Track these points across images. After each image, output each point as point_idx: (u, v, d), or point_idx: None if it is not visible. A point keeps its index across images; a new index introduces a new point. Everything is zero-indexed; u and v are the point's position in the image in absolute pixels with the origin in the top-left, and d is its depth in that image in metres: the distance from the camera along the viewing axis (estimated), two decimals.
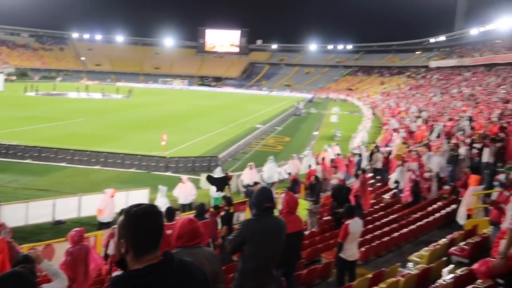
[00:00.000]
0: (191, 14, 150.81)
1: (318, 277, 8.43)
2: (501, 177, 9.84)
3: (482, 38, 65.05)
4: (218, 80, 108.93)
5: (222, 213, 10.45)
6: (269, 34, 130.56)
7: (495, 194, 9.14)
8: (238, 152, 27.94)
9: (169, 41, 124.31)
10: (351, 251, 7.62)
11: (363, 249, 9.48)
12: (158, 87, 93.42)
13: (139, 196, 15.42)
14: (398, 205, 14.62)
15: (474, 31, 65.37)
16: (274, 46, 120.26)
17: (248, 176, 18.52)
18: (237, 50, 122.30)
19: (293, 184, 16.47)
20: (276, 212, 6.00)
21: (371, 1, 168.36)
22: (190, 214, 11.66)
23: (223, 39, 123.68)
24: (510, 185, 4.87)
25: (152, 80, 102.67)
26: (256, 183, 15.61)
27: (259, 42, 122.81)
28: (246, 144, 30.31)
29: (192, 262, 2.34)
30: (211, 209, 11.45)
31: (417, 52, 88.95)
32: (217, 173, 17.21)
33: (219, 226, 10.58)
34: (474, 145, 17.12)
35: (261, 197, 4.21)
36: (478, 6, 78.64)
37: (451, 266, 7.94)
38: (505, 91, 39.72)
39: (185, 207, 15.21)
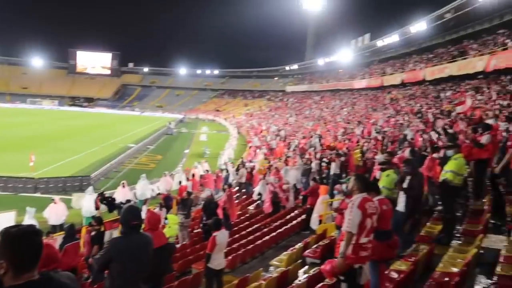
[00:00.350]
0: (61, 35, 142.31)
1: (189, 287, 8.33)
2: (343, 186, 10.73)
3: (327, 67, 70.42)
4: (90, 101, 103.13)
5: (93, 233, 9.87)
6: (140, 58, 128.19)
7: (337, 202, 9.93)
8: (111, 171, 26.71)
9: (38, 61, 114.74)
10: (219, 261, 7.67)
11: (230, 257, 9.61)
12: (26, 107, 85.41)
13: (4, 220, 13.83)
14: (261, 215, 15.08)
15: (321, 61, 70.57)
16: (146, 70, 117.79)
17: (121, 194, 17.78)
18: (108, 72, 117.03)
19: (166, 200, 16.20)
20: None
21: (236, 31, 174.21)
22: (61, 235, 10.86)
23: (94, 61, 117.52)
24: (350, 194, 5.31)
25: (20, 100, 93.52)
26: (128, 201, 15.06)
27: (130, 65, 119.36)
28: (119, 163, 29.09)
29: (69, 284, 2.30)
30: (86, 227, 10.80)
31: (275, 78, 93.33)
32: (89, 192, 16.28)
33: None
34: (324, 159, 18.41)
35: (128, 215, 4.05)
36: (323, 39, 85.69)
37: (306, 267, 8.39)
38: (347, 113, 43.45)
39: (56, 228, 14.11)
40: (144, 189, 19.40)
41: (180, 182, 20.23)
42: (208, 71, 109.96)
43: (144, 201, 16.63)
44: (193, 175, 21.77)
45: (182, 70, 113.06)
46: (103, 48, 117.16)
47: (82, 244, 11.55)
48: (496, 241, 6.69)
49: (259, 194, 16.62)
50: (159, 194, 20.41)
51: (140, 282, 3.98)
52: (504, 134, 10.67)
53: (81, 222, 14.94)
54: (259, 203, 16.52)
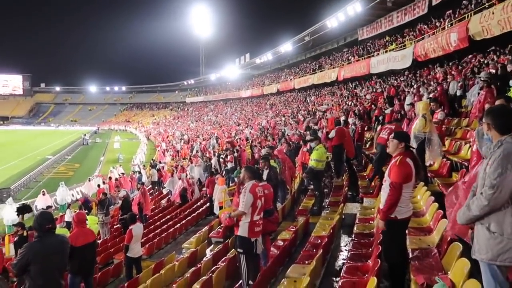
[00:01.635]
0: None
1: (111, 276, 7.82)
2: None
3: (218, 81, 70.35)
4: (5, 120, 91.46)
5: (16, 238, 8.78)
6: (52, 78, 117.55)
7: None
8: (31, 181, 24.06)
9: None
10: (136, 250, 7.31)
11: (147, 246, 9.22)
12: None
13: None
14: (173, 207, 14.71)
15: (213, 76, 70.26)
16: (58, 88, 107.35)
17: (41, 201, 16.12)
18: (21, 92, 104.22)
19: (85, 203, 15.02)
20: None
21: (140, 52, 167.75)
22: None
23: (6, 83, 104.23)
24: (241, 183, 5.37)
25: None
26: (49, 207, 13.67)
27: (43, 85, 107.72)
28: (38, 173, 26.31)
29: None
30: (9, 235, 9.56)
31: (176, 92, 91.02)
32: (9, 202, 14.50)
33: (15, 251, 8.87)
34: (221, 156, 18.48)
35: (41, 220, 3.62)
36: (214, 58, 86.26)
37: (212, 246, 8.35)
38: (237, 117, 44.14)
39: None
40: (64, 195, 17.85)
41: (98, 185, 18.91)
42: (116, 88, 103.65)
43: (68, 206, 15.26)
44: (110, 178, 20.51)
45: (93, 88, 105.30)
46: (15, 70, 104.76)
47: (6, 250, 10.32)
48: (352, 208, 7.24)
49: (169, 190, 16.19)
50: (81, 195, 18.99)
51: (60, 279, 3.62)
52: (352, 127, 11.61)
53: (4, 231, 13.28)
54: (170, 197, 16.09)
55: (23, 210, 10.84)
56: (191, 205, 14.05)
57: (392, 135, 3.96)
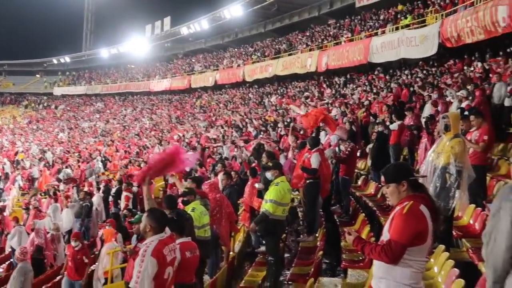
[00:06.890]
0: None
1: None
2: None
3: (114, 62, 69.18)
4: None
5: None
6: None
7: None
8: None
9: None
10: None
11: None
12: None
13: None
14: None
15: (104, 53, 69.07)
16: None
17: None
18: None
19: None
20: None
21: None
22: None
23: None
24: (143, 237, 5.30)
25: None
26: None
27: None
28: None
29: None
30: None
31: (37, 75, 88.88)
32: None
33: None
34: (112, 193, 18.23)
35: None
36: (107, 23, 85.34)
37: None
38: (142, 125, 43.72)
39: None
40: None
41: None
42: None
43: None
44: None
45: None
46: None
47: None
48: (330, 285, 7.35)
49: (13, 248, 15.63)
50: None
51: None
52: (336, 149, 11.88)
53: None
54: (13, 261, 15.53)
55: None
56: (51, 277, 13.66)
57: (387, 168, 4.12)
